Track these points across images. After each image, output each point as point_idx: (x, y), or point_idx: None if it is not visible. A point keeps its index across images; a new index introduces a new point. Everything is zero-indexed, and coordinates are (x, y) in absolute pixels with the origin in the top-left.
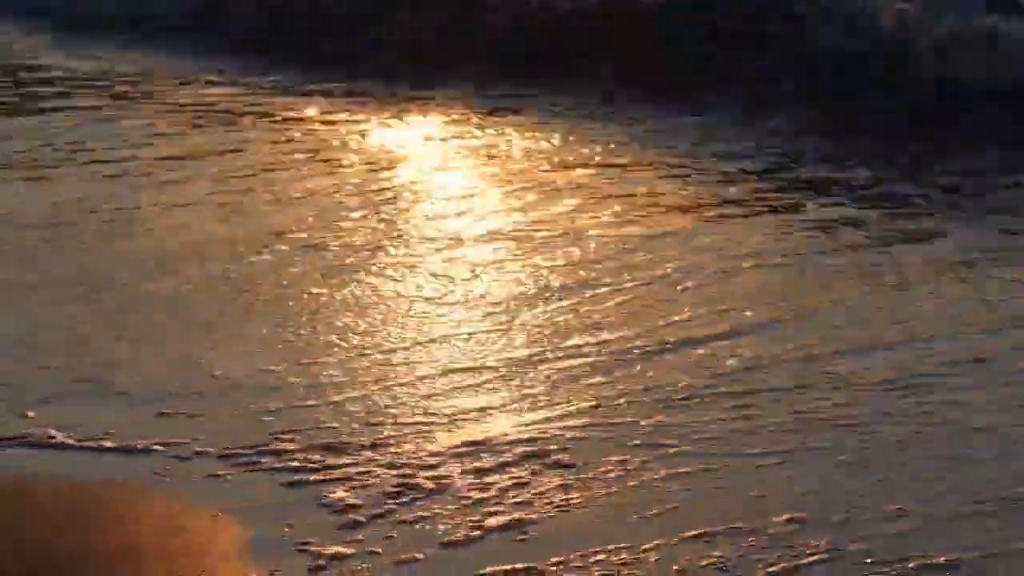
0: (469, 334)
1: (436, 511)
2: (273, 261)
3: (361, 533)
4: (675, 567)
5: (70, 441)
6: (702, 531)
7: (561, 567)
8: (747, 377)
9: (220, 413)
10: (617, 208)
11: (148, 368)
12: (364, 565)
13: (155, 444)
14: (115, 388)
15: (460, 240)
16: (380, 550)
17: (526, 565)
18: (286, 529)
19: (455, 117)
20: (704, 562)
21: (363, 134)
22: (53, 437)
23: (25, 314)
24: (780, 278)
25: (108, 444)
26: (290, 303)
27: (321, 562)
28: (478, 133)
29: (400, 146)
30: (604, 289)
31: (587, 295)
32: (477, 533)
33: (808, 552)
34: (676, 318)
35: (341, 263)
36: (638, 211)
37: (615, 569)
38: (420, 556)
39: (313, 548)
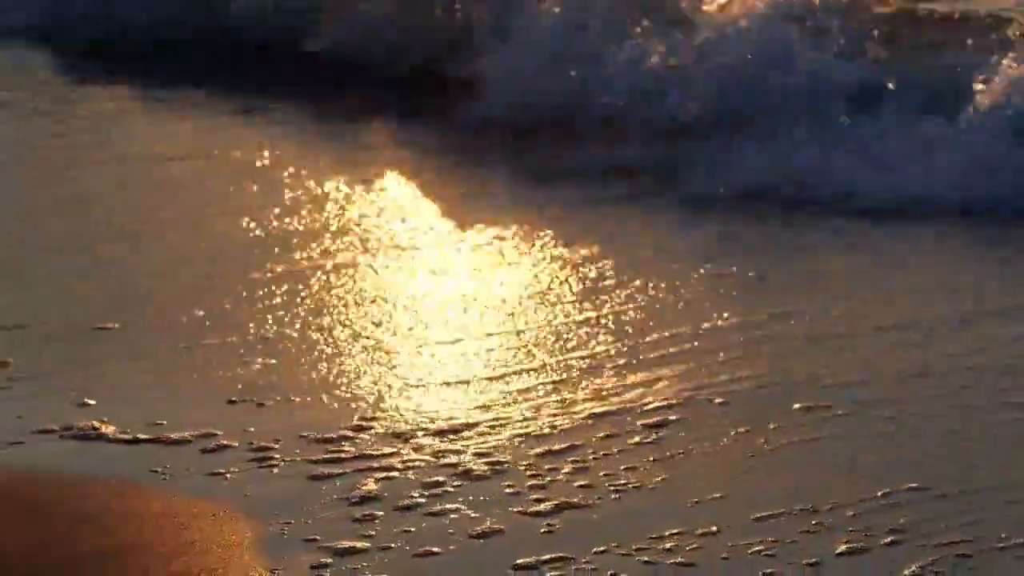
0: (534, 328)
1: (474, 501)
2: (321, 260)
3: (380, 527)
4: (723, 555)
5: (108, 432)
6: (769, 513)
7: (600, 556)
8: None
9: (275, 407)
10: None
11: (215, 359)
12: (364, 564)
13: (190, 436)
14: (179, 379)
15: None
16: (393, 544)
17: (559, 555)
18: (298, 525)
19: None
20: (755, 547)
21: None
22: (96, 428)
23: (105, 301)
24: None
25: (143, 436)
26: (357, 299)
27: (326, 559)
28: None
29: None
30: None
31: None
32: (513, 523)
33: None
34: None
35: (399, 262)
36: None
37: (659, 557)
38: (438, 550)
39: (323, 544)
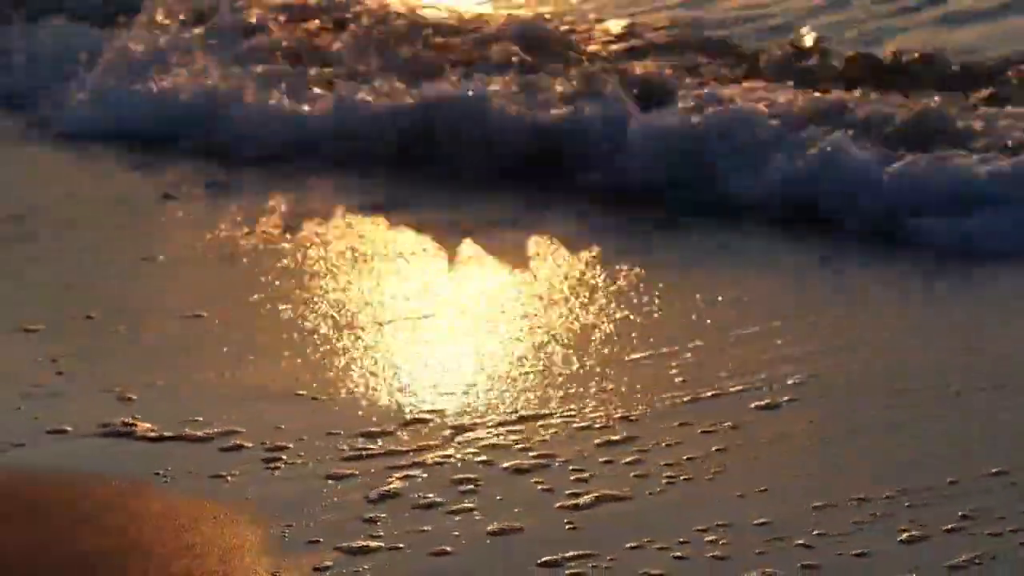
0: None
1: (506, 497)
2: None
3: (394, 527)
4: (757, 550)
5: (140, 429)
6: (824, 503)
7: (632, 551)
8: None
9: (317, 403)
10: None
11: (265, 355)
12: (371, 564)
13: (213, 433)
14: (224, 376)
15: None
16: (405, 544)
17: (584, 552)
18: (308, 525)
19: None
20: (800, 539)
21: None
22: (131, 424)
23: (160, 295)
24: None
25: (168, 433)
26: (406, 294)
27: (330, 560)
28: None
29: None
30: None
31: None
32: (545, 519)
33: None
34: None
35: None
36: None
37: (693, 551)
38: (452, 549)
39: (330, 544)
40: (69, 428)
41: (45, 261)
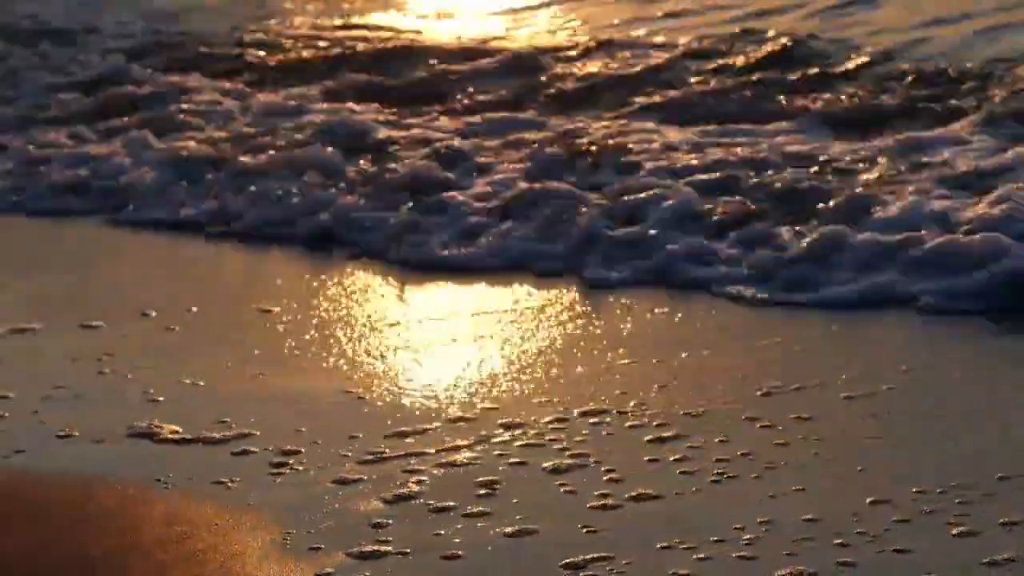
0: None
1: (529, 499)
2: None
3: (406, 531)
4: (791, 550)
5: (158, 431)
6: (874, 499)
7: (662, 552)
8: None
9: (343, 402)
10: None
11: (302, 356)
12: (375, 570)
13: (228, 437)
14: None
15: None
16: (415, 548)
17: (602, 555)
18: (313, 530)
19: None
20: (838, 538)
21: None
22: (159, 427)
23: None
24: None
25: (188, 436)
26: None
27: (331, 567)
28: None
29: None
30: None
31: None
32: (569, 519)
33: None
34: None
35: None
36: None
37: (720, 551)
38: (462, 553)
39: (335, 549)
40: (81, 432)
41: (110, 257)
